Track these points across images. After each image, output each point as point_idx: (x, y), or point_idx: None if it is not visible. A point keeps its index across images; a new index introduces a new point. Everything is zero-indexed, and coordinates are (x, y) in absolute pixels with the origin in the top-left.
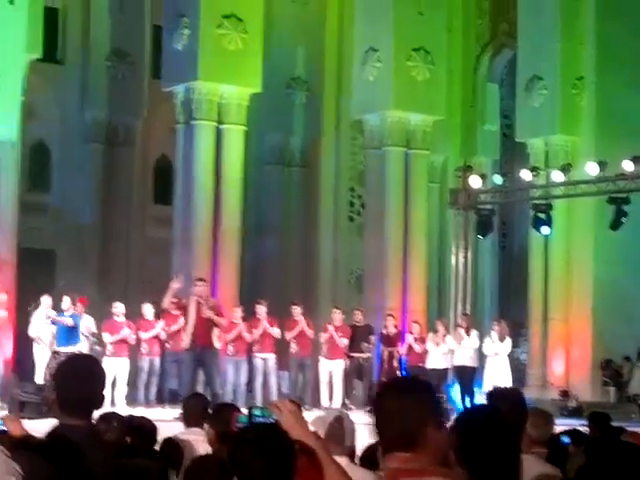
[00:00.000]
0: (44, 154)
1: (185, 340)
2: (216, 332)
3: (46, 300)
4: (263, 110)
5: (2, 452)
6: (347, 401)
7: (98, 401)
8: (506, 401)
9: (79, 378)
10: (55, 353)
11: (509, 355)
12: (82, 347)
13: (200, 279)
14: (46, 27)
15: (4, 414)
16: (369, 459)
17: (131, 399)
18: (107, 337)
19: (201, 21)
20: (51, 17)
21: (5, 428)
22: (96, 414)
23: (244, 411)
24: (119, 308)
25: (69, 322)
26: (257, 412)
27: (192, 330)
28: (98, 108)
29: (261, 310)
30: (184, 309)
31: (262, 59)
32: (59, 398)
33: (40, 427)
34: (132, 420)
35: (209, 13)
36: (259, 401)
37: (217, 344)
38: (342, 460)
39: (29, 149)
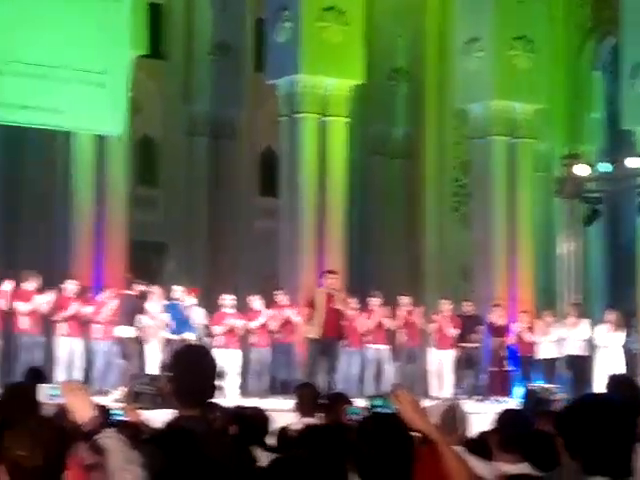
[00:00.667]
0: (150, 148)
1: (313, 330)
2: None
3: (157, 291)
4: (366, 101)
5: (123, 441)
6: (456, 391)
7: (211, 391)
8: (622, 389)
9: (193, 369)
10: (169, 342)
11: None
12: (192, 337)
13: (331, 271)
14: (150, 23)
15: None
16: (479, 448)
17: (244, 390)
18: (216, 329)
19: (303, 14)
20: (155, 13)
21: (125, 418)
22: None
23: (358, 402)
24: (228, 300)
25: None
26: (378, 402)
27: (321, 321)
28: (202, 102)
29: (375, 301)
30: (311, 301)
31: (364, 50)
32: (174, 389)
33: (155, 417)
34: (241, 410)
35: (310, 6)
36: (371, 392)
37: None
38: (457, 449)
39: (136, 144)
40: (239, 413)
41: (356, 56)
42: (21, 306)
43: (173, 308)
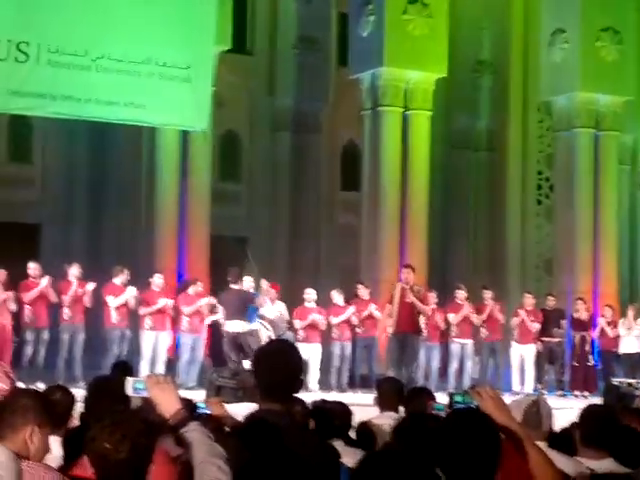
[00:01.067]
0: (234, 143)
1: (389, 325)
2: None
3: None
4: (449, 94)
5: (208, 435)
6: (539, 386)
7: (296, 386)
8: None
9: (279, 363)
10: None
11: None
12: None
13: (406, 266)
14: (234, 18)
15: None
16: (562, 443)
17: (324, 384)
18: (298, 323)
19: (386, 7)
20: (239, 7)
21: (208, 411)
22: None
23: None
24: (311, 294)
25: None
26: (458, 398)
27: (396, 315)
28: (285, 96)
29: (460, 295)
30: (391, 296)
31: (447, 43)
32: (259, 383)
33: (237, 411)
34: (323, 404)
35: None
36: (452, 386)
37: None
38: (541, 445)
39: (219, 138)
40: (322, 407)
41: (440, 49)
42: (111, 300)
43: None
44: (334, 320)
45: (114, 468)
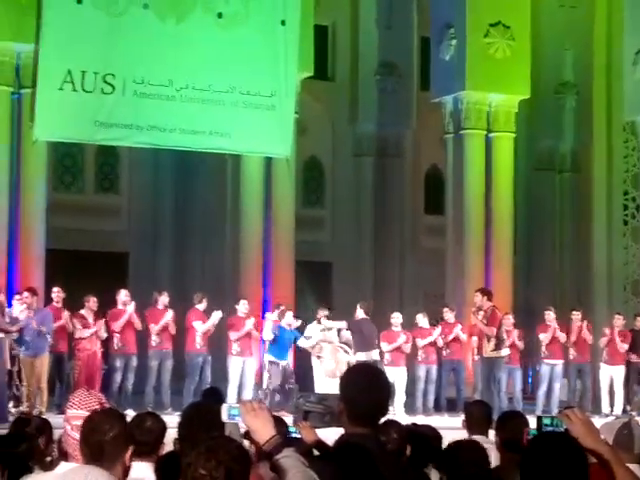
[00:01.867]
0: (317, 169)
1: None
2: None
3: (322, 312)
4: (532, 116)
5: (302, 461)
6: (628, 407)
7: (384, 409)
8: None
9: (365, 387)
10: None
11: None
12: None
13: (476, 290)
14: (316, 45)
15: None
16: None
17: (410, 407)
18: (384, 346)
19: (468, 31)
20: (321, 35)
21: (299, 435)
22: None
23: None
24: (397, 318)
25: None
26: (546, 421)
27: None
28: (368, 121)
29: (550, 316)
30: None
31: (530, 65)
32: (346, 407)
33: (324, 436)
34: (414, 429)
35: (476, 22)
36: (540, 409)
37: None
38: (633, 468)
39: (303, 165)
40: (413, 431)
41: (522, 71)
42: (199, 326)
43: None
44: (420, 343)
45: None
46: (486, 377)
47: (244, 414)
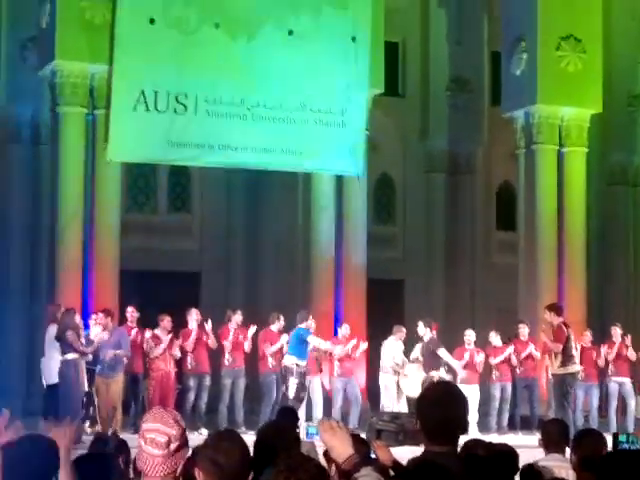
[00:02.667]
0: (388, 186)
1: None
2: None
3: (398, 329)
4: (604, 130)
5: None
6: None
7: (462, 427)
8: None
9: (441, 404)
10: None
11: None
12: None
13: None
14: (387, 61)
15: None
16: None
17: (483, 426)
18: (457, 364)
19: (539, 44)
20: (391, 51)
21: (375, 455)
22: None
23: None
24: (470, 336)
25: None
26: (622, 438)
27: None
28: (439, 137)
29: (616, 332)
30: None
31: (602, 78)
32: (423, 425)
33: (398, 455)
34: (492, 447)
35: (547, 36)
36: (613, 427)
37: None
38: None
39: (374, 182)
40: (491, 449)
41: (594, 84)
42: (267, 348)
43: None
44: (493, 361)
45: None
46: (557, 395)
47: (322, 432)
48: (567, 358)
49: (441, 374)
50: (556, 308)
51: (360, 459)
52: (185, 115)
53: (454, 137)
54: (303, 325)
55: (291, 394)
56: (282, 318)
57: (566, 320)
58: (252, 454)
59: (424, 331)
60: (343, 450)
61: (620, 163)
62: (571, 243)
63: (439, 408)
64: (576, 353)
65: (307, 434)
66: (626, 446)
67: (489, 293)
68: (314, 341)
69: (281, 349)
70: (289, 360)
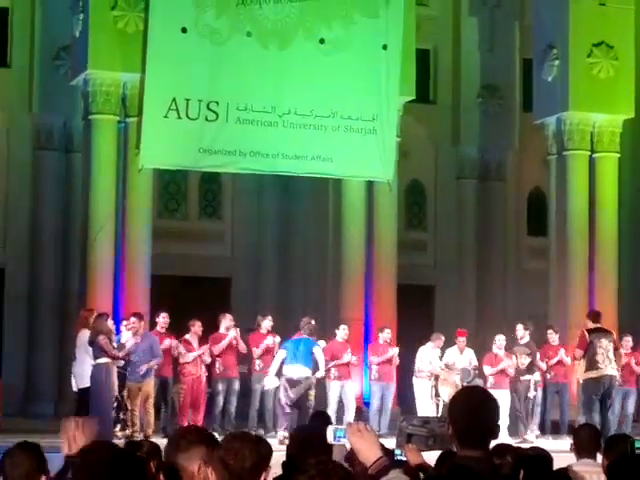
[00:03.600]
0: (419, 192)
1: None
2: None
3: (437, 337)
4: (637, 136)
5: None
6: None
7: (494, 431)
8: None
9: (473, 409)
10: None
11: None
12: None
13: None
14: (418, 68)
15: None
16: None
17: (513, 431)
18: (487, 369)
19: (571, 51)
20: (422, 58)
21: (405, 458)
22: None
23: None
24: (500, 340)
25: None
26: (638, 444)
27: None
28: (470, 144)
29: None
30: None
31: (634, 84)
32: (455, 429)
33: (428, 459)
34: (526, 451)
35: (579, 43)
36: None
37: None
38: None
39: (405, 188)
40: (524, 455)
41: (626, 91)
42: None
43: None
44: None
45: None
46: (582, 400)
47: (350, 435)
48: (590, 364)
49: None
50: (590, 314)
51: (389, 462)
52: (216, 122)
53: (485, 143)
54: (307, 335)
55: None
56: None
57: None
58: (285, 457)
59: (523, 334)
60: (371, 453)
61: None
62: (602, 249)
63: (471, 413)
64: (603, 358)
65: (335, 437)
66: None
67: (520, 299)
68: (318, 354)
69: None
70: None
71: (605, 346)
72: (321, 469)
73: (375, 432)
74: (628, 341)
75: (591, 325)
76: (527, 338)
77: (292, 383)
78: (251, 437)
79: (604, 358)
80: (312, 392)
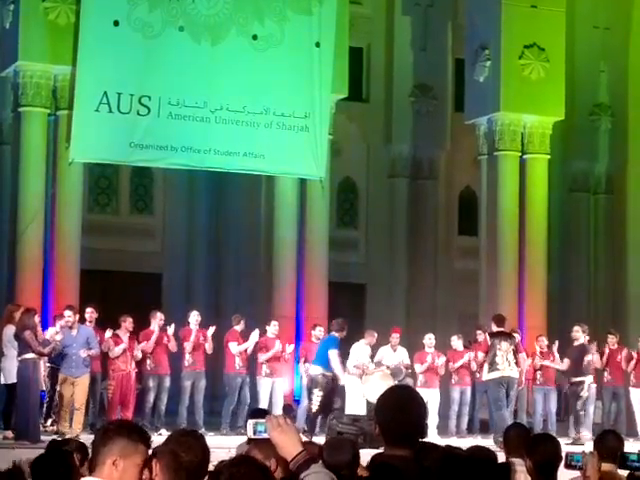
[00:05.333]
0: (351, 190)
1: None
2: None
3: (370, 334)
4: (566, 138)
5: (330, 477)
6: None
7: (420, 431)
8: None
9: (399, 408)
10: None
11: None
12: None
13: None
14: (351, 67)
15: None
16: None
17: (442, 429)
18: (418, 368)
19: (502, 52)
20: (355, 56)
21: None
22: None
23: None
24: (431, 339)
25: None
26: (633, 457)
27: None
28: (402, 143)
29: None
30: None
31: (564, 87)
32: (381, 428)
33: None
34: (458, 450)
35: (511, 44)
36: (572, 431)
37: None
38: None
39: (337, 186)
40: (455, 454)
41: (557, 92)
42: (233, 347)
43: None
44: (453, 365)
45: None
46: (490, 400)
47: (271, 430)
48: (490, 365)
49: None
50: (494, 318)
51: (309, 456)
52: (148, 117)
53: (417, 142)
54: (337, 335)
55: (314, 406)
56: (243, 322)
57: (526, 325)
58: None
59: (580, 336)
60: (292, 447)
61: (582, 170)
62: (532, 249)
63: (396, 412)
64: (502, 360)
65: (255, 431)
66: (638, 464)
67: (451, 297)
68: (332, 357)
69: (246, 350)
70: (315, 370)
71: (505, 349)
72: (233, 473)
73: (295, 426)
74: (542, 341)
75: (495, 329)
76: (583, 339)
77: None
78: (200, 435)
79: (503, 360)
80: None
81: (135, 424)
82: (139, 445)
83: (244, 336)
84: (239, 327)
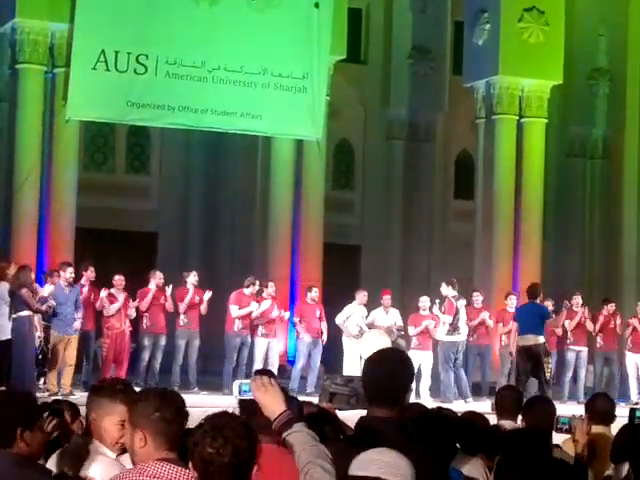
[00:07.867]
0: (348, 152)
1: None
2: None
3: (361, 293)
4: (564, 102)
5: (312, 436)
6: None
7: (404, 392)
8: None
9: (386, 370)
10: None
11: None
12: None
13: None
14: (350, 28)
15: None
16: None
17: (435, 392)
18: (411, 330)
19: (502, 15)
20: (354, 18)
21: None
22: None
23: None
24: (425, 302)
25: None
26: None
27: None
28: (400, 105)
29: (577, 302)
30: None
31: (563, 51)
32: (365, 389)
33: (350, 418)
34: (466, 416)
35: (510, 7)
36: (565, 395)
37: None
38: None
39: (333, 148)
40: (464, 419)
41: (555, 56)
42: (232, 310)
43: None
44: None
45: (218, 473)
46: (441, 360)
47: (254, 390)
48: (453, 328)
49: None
50: (450, 282)
51: (292, 416)
52: (145, 76)
53: (415, 105)
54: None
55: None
56: (257, 283)
57: (520, 289)
58: None
59: (447, 291)
60: (275, 407)
61: (579, 135)
62: (528, 213)
63: (379, 373)
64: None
65: (240, 391)
66: None
67: (446, 261)
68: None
69: (250, 314)
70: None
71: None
72: (215, 424)
73: (280, 386)
74: (548, 305)
75: (452, 292)
76: (453, 293)
77: None
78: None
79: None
80: None
81: (122, 383)
82: (118, 405)
83: (254, 298)
84: (248, 290)
